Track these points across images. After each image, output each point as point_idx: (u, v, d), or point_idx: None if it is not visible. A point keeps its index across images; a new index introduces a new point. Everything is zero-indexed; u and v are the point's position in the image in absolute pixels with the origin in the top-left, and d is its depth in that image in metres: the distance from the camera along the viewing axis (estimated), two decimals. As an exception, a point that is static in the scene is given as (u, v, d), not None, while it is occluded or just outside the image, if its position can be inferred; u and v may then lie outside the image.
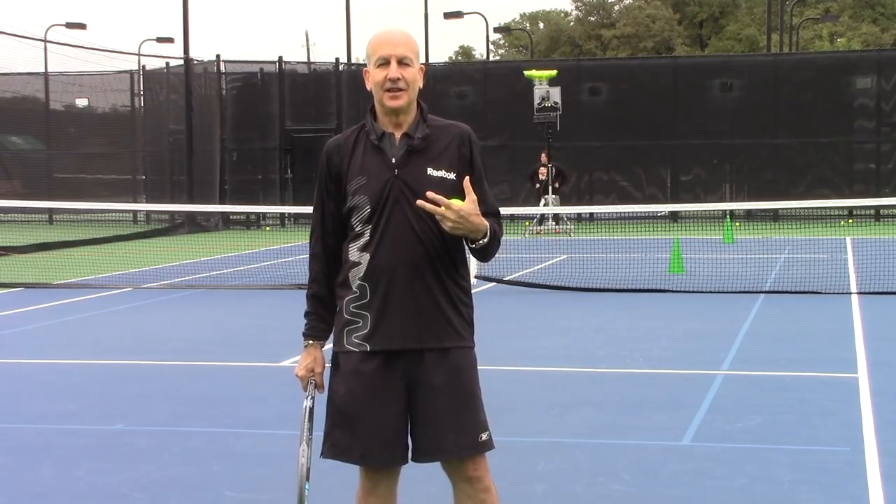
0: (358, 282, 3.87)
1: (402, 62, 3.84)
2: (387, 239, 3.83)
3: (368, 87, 3.93)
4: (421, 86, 3.92)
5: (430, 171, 3.87)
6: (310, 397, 4.05)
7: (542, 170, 26.37)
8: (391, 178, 3.84)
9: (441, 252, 3.88)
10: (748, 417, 7.25)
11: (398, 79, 3.82)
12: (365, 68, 3.93)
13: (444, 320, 3.89)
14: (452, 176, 3.89)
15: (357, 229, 3.88)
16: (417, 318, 3.84)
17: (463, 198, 3.83)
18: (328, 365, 4.01)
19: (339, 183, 3.90)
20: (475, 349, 4.04)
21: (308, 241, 4.05)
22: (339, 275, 3.93)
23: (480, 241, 3.89)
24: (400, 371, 3.87)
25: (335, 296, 3.96)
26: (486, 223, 3.87)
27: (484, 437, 4.01)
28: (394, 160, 3.86)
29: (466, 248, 3.96)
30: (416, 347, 3.85)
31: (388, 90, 3.83)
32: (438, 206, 3.74)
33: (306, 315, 4.01)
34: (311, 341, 4.02)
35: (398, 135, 3.89)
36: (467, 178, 3.87)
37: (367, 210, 3.85)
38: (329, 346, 4.04)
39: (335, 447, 3.99)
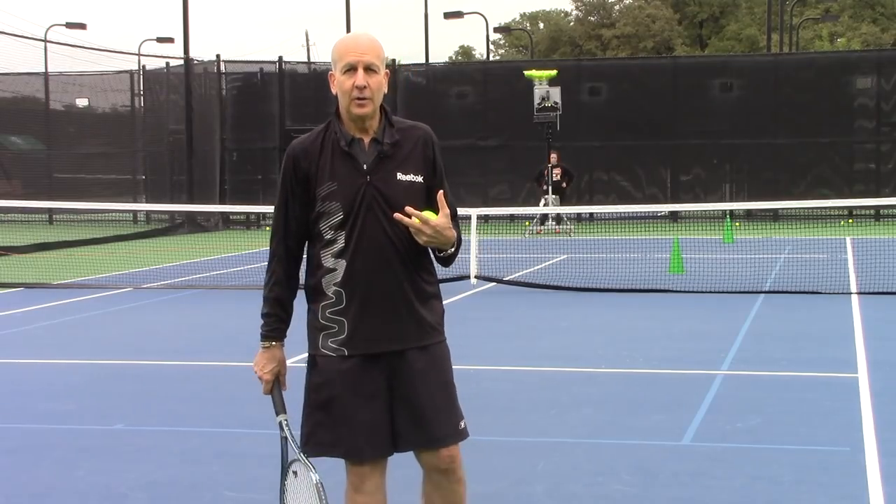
0: (334, 288, 3.89)
1: (368, 69, 3.84)
2: (362, 245, 3.85)
3: (334, 91, 3.93)
4: (385, 91, 3.93)
5: (399, 175, 3.89)
6: (283, 421, 4.10)
7: (556, 170, 26.37)
8: (363, 184, 3.86)
9: (413, 255, 3.92)
10: (748, 417, 7.25)
11: (364, 87, 3.82)
12: (331, 72, 3.93)
13: (420, 320, 3.95)
14: (420, 179, 3.94)
15: (328, 236, 3.89)
16: (395, 321, 3.89)
17: (433, 202, 3.89)
18: (294, 365, 4.03)
19: (307, 187, 3.90)
20: (447, 341, 4.12)
21: (269, 243, 4.01)
22: (310, 279, 3.94)
23: (449, 251, 3.94)
24: (380, 366, 3.91)
25: (293, 298, 4.00)
26: (455, 233, 3.93)
27: (462, 424, 4.07)
28: (365, 166, 3.88)
29: (432, 254, 4.01)
30: (397, 349, 3.90)
31: (356, 98, 3.84)
32: (411, 218, 3.81)
33: (266, 316, 4.00)
34: (273, 342, 4.03)
35: (366, 140, 3.92)
36: (441, 192, 3.91)
37: (340, 216, 3.86)
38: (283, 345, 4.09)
39: (320, 444, 3.99)
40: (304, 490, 4.07)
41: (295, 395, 4.17)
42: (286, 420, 4.11)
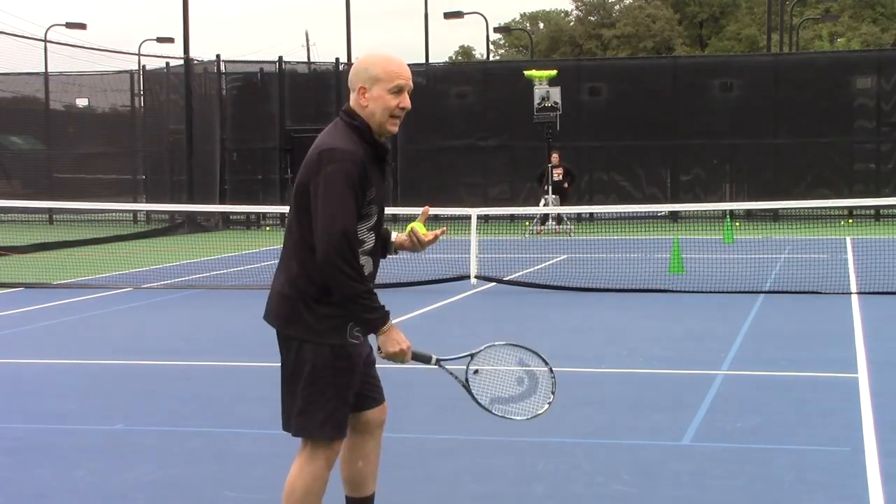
0: None
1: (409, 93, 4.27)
2: (377, 244, 4.33)
3: (365, 105, 4.20)
4: None
5: None
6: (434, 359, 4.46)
7: (558, 170, 26.38)
8: (387, 189, 4.28)
9: None
10: (748, 417, 7.25)
11: (406, 109, 4.24)
12: (363, 86, 4.19)
13: None
14: None
15: (362, 236, 4.19)
16: None
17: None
18: (331, 356, 4.22)
19: (365, 192, 4.16)
20: None
21: (340, 242, 4.05)
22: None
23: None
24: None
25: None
26: None
27: None
28: (387, 173, 4.33)
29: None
30: None
31: (396, 117, 4.22)
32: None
33: (378, 305, 4.15)
34: (391, 323, 4.23)
35: None
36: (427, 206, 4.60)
37: (375, 219, 4.25)
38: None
39: (340, 426, 4.31)
40: (493, 379, 4.55)
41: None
42: (438, 358, 4.46)
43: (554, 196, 25.86)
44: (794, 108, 29.75)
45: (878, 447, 6.44)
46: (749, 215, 29.24)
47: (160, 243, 24.51)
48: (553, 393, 4.61)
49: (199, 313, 13.22)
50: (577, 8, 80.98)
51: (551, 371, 4.57)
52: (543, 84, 25.88)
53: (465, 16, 49.21)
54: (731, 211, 25.96)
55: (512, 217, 28.75)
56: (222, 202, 28.89)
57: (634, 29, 73.55)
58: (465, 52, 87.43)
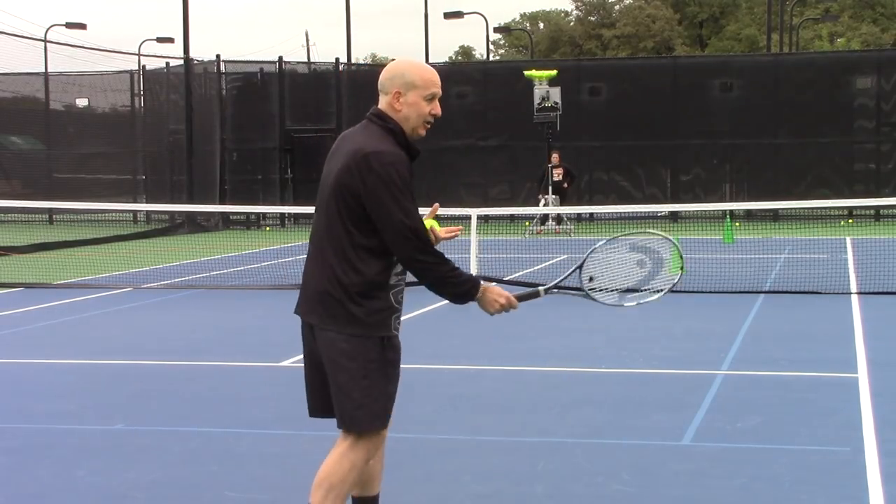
0: (397, 277, 4.40)
1: None
2: None
3: (399, 109, 4.35)
4: None
5: None
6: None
7: (558, 170, 26.37)
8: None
9: None
10: (748, 417, 7.25)
11: (437, 116, 4.44)
12: (397, 91, 4.33)
13: None
14: None
15: None
16: None
17: None
18: (381, 348, 4.35)
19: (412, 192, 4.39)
20: None
21: (417, 240, 4.28)
22: (382, 269, 4.33)
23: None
24: None
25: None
26: None
27: None
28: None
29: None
30: None
31: (428, 122, 4.41)
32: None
33: (465, 277, 4.44)
34: (483, 285, 4.52)
35: None
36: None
37: None
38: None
39: (388, 417, 4.44)
40: (613, 275, 4.76)
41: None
42: (545, 288, 4.68)
43: (554, 196, 25.86)
44: (794, 108, 29.74)
45: (878, 447, 6.45)
46: (749, 215, 29.23)
47: (160, 243, 24.51)
48: (681, 256, 4.78)
49: (199, 313, 13.22)
50: (577, 8, 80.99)
51: (666, 238, 4.80)
52: (543, 84, 25.86)
53: (465, 16, 49.22)
54: (731, 211, 25.94)
55: (512, 217, 28.74)
56: (222, 202, 28.88)
57: (634, 29, 73.55)
58: (465, 52, 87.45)
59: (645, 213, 27.09)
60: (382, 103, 4.39)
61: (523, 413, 7.54)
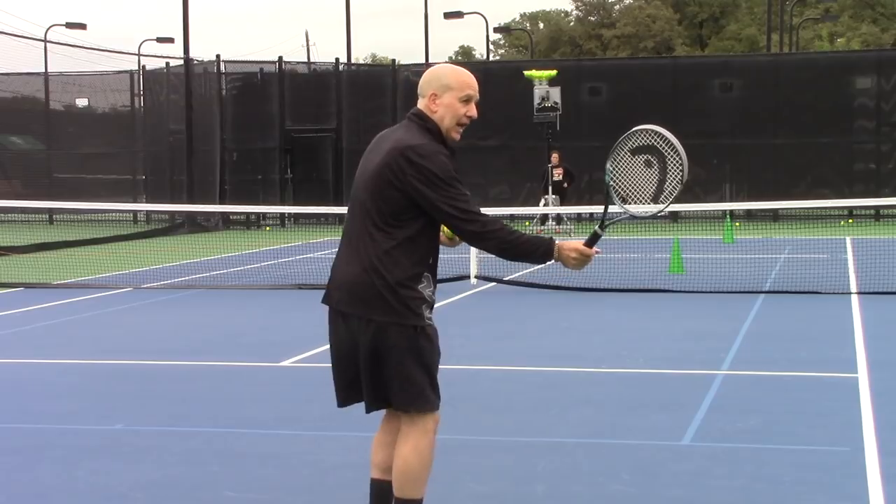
0: (429, 270, 4.55)
1: None
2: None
3: (435, 110, 4.52)
4: None
5: None
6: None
7: (558, 171, 26.37)
8: None
9: None
10: (748, 417, 7.25)
11: (472, 118, 4.57)
12: (433, 92, 4.51)
13: None
14: None
15: (435, 228, 4.55)
16: None
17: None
18: (426, 334, 4.51)
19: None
20: None
21: (480, 221, 4.44)
22: (422, 260, 4.48)
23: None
24: None
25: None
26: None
27: None
28: None
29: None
30: None
31: (463, 124, 4.54)
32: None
33: (539, 240, 4.54)
34: (556, 243, 4.56)
35: None
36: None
37: None
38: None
39: (436, 397, 4.62)
40: (632, 183, 4.92)
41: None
42: (598, 227, 4.67)
43: (554, 196, 25.87)
44: (794, 108, 29.74)
45: (878, 447, 6.44)
46: (749, 215, 29.23)
47: (160, 243, 24.50)
48: (680, 154, 4.85)
49: (199, 313, 13.22)
50: (577, 8, 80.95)
51: (658, 132, 4.86)
52: (543, 84, 25.86)
53: (465, 16, 49.25)
54: (731, 211, 25.94)
55: (512, 217, 28.70)
56: (222, 202, 28.88)
57: (634, 29, 73.52)
58: (465, 52, 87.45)
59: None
60: (420, 104, 4.57)
61: (523, 413, 7.54)
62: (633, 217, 4.94)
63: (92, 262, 18.92)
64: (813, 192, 27.95)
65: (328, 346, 4.68)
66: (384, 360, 4.47)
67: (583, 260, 4.55)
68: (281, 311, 13.03)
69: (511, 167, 30.51)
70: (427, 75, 4.60)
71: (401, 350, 4.45)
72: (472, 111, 4.56)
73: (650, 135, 4.89)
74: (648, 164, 4.96)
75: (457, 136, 4.56)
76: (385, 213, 4.43)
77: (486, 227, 4.43)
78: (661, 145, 4.89)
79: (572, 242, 4.57)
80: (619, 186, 4.93)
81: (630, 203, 4.93)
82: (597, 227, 4.69)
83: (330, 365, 4.70)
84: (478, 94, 4.58)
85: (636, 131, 4.89)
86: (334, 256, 4.65)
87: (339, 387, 4.66)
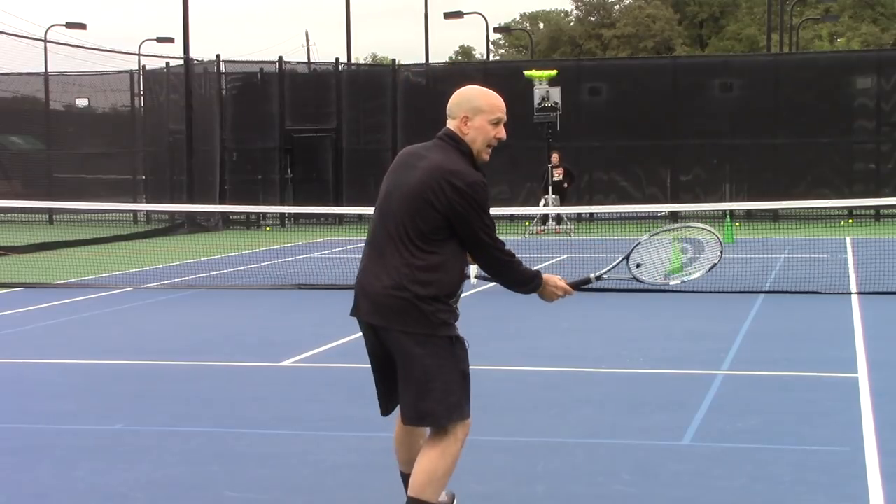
0: (458, 290, 4.75)
1: None
2: None
3: (466, 132, 4.67)
4: None
5: None
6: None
7: (558, 170, 26.37)
8: None
9: None
10: (748, 417, 7.25)
11: (501, 139, 4.76)
12: (466, 115, 4.65)
13: None
14: None
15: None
16: None
17: None
18: (458, 345, 4.66)
19: None
20: None
21: (503, 250, 4.81)
22: (453, 279, 4.65)
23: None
24: None
25: None
26: None
27: None
28: None
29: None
30: None
31: (490, 146, 4.72)
32: None
33: (531, 274, 4.89)
34: (543, 277, 4.96)
35: None
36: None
37: None
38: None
39: (467, 405, 4.70)
40: (659, 260, 5.35)
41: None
42: (596, 276, 5.22)
43: (554, 196, 25.87)
44: (794, 108, 29.73)
45: (878, 447, 6.45)
46: (749, 215, 29.23)
47: (160, 243, 24.51)
48: (721, 243, 5.37)
49: (199, 313, 13.22)
50: (577, 8, 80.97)
51: (710, 231, 5.40)
52: (543, 84, 25.86)
53: (465, 16, 49.20)
54: (731, 211, 25.94)
55: (512, 217, 28.73)
56: (222, 202, 28.86)
57: (634, 29, 73.53)
58: (465, 52, 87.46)
59: (645, 213, 27.08)
60: (451, 126, 4.70)
61: (523, 413, 7.54)
62: (636, 280, 5.36)
63: (92, 262, 18.92)
64: (813, 192, 27.95)
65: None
66: (412, 370, 4.56)
67: (560, 297, 4.99)
68: (281, 311, 13.02)
69: (511, 167, 30.46)
70: (458, 97, 4.71)
71: (435, 361, 4.55)
72: (502, 133, 4.72)
73: (703, 231, 5.44)
74: (683, 251, 5.45)
75: (486, 157, 4.72)
76: (423, 231, 4.55)
77: (509, 256, 4.75)
78: (706, 240, 5.42)
79: (559, 281, 4.95)
80: (642, 256, 5.37)
81: (642, 271, 5.38)
82: (593, 275, 5.13)
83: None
84: (506, 116, 4.72)
85: (692, 227, 5.48)
86: (360, 268, 4.71)
87: (381, 395, 4.84)
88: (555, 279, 4.93)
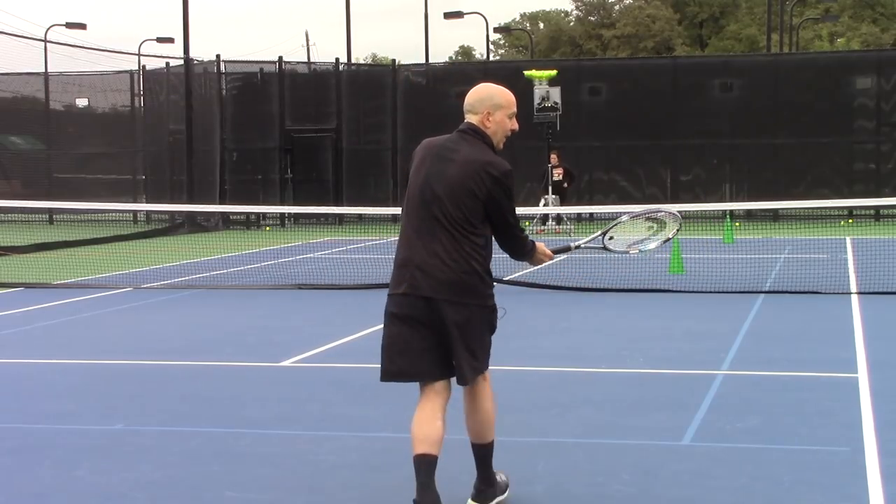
0: None
1: None
2: None
3: (488, 126, 5.21)
4: None
5: None
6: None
7: (558, 170, 26.37)
8: None
9: None
10: (748, 417, 7.25)
11: (515, 131, 5.34)
12: (488, 111, 5.19)
13: None
14: None
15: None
16: None
17: None
18: (494, 313, 5.28)
19: None
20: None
21: (524, 233, 5.44)
22: (488, 256, 5.21)
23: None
24: None
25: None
26: None
27: None
28: None
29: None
30: None
31: (507, 137, 5.29)
32: None
33: (531, 242, 5.49)
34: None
35: None
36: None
37: None
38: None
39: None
40: (627, 232, 6.23)
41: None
42: (576, 245, 6.01)
43: (554, 196, 25.87)
44: (794, 108, 29.75)
45: (878, 447, 6.45)
46: (749, 215, 29.23)
47: (160, 243, 24.50)
48: (679, 223, 6.26)
49: (199, 313, 13.22)
50: (577, 8, 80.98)
51: (675, 213, 6.30)
52: (543, 84, 25.86)
53: (465, 16, 49.21)
54: (731, 211, 25.94)
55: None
56: (222, 202, 28.86)
57: (634, 29, 73.54)
58: (465, 52, 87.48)
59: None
60: (474, 120, 5.22)
61: (523, 413, 7.54)
62: (605, 249, 6.19)
63: (92, 262, 18.92)
64: (813, 192, 27.95)
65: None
66: (469, 335, 5.12)
67: (545, 261, 5.63)
68: (281, 311, 13.02)
69: (511, 167, 30.47)
70: (478, 94, 5.23)
71: (483, 326, 5.20)
72: (515, 125, 5.31)
73: (669, 215, 6.35)
74: (649, 227, 6.31)
75: (502, 147, 5.27)
76: (469, 217, 5.09)
77: (522, 233, 5.38)
78: (668, 221, 6.30)
79: (545, 248, 5.58)
80: (617, 232, 6.19)
81: (613, 242, 6.21)
82: (573, 244, 5.92)
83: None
84: (516, 110, 5.29)
85: (663, 211, 6.41)
86: (406, 250, 5.14)
87: (409, 360, 5.18)
88: (541, 246, 5.55)
